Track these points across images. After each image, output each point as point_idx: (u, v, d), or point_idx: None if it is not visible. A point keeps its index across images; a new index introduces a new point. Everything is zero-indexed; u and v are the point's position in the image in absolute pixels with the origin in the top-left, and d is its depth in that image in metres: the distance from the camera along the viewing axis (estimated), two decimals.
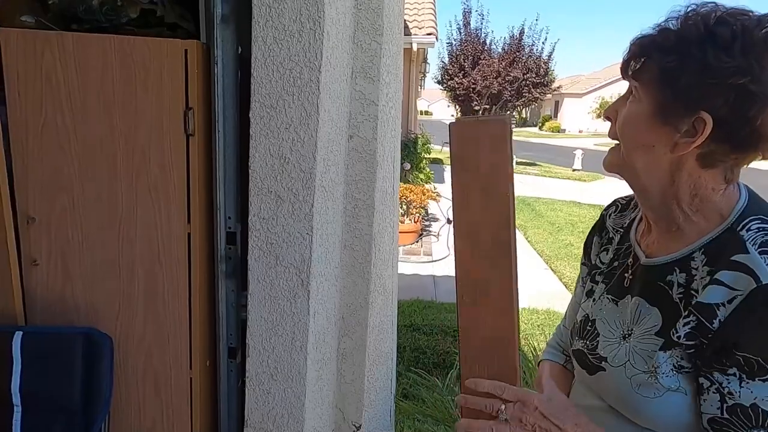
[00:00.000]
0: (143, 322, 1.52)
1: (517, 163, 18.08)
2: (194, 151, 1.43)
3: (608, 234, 1.08)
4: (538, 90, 16.88)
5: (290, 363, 1.43)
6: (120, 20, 1.58)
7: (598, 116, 35.95)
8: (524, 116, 34.97)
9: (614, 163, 0.87)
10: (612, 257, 1.02)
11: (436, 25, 10.71)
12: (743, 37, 0.72)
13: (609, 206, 1.11)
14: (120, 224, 1.48)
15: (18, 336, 1.46)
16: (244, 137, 1.40)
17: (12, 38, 1.39)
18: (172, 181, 1.45)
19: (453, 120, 0.74)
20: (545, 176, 16.57)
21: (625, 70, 0.82)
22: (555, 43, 17.47)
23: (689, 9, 0.77)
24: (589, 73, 45.28)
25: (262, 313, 1.42)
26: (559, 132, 38.24)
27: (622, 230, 1.05)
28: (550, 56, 17.28)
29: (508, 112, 17.93)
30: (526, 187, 13.24)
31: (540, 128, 41.17)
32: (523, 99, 17.00)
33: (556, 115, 41.37)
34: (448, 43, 16.98)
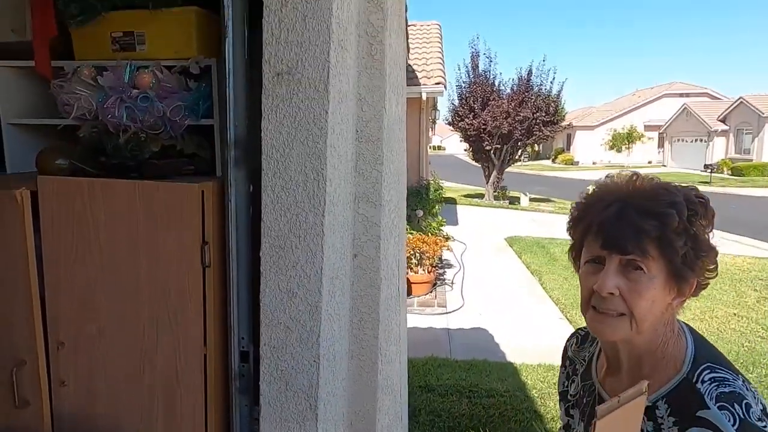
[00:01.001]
0: None
1: (531, 199, 18.12)
2: (210, 281, 1.55)
3: (573, 364, 1.17)
4: (548, 128, 17.05)
5: None
6: (144, 155, 1.74)
7: (611, 147, 35.99)
8: (537, 149, 35.10)
9: (626, 338, 0.95)
10: (579, 390, 1.10)
11: (445, 73, 11.00)
12: (704, 208, 0.93)
13: (570, 337, 1.21)
14: (142, 349, 1.60)
15: None
16: (256, 267, 1.52)
17: (47, 185, 1.55)
18: (190, 308, 1.56)
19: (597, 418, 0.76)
20: (559, 213, 16.54)
21: (625, 247, 0.92)
22: (563, 82, 17.72)
23: (674, 199, 0.92)
24: (601, 105, 45.55)
25: None
26: (572, 164, 38.28)
27: (584, 362, 1.14)
28: (558, 94, 17.52)
29: (520, 151, 18.09)
30: (540, 227, 13.24)
31: (553, 161, 41.26)
32: (533, 137, 17.17)
33: (568, 148, 41.49)
34: (457, 86, 17.34)
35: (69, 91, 1.69)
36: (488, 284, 8.23)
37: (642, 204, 0.92)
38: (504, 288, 8.05)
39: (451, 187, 23.39)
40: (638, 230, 0.90)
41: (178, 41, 1.72)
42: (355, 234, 1.70)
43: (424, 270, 7.50)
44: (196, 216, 1.52)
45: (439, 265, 8.71)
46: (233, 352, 1.61)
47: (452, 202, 17.27)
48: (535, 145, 20.00)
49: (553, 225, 13.68)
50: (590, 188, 1.03)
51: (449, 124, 17.83)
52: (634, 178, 0.98)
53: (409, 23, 11.12)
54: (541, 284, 8.18)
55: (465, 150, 19.79)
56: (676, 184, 0.99)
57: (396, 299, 1.96)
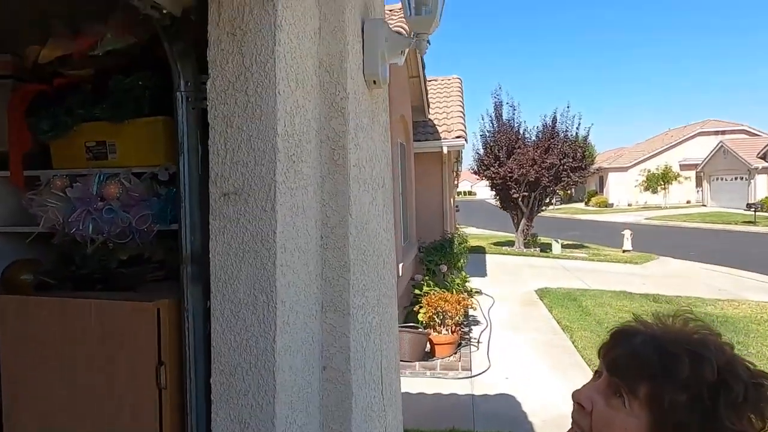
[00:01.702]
0: None
1: (563, 246, 17.65)
2: (167, 404, 1.47)
3: None
4: (576, 174, 16.78)
5: None
6: (112, 265, 1.71)
7: (646, 188, 35.12)
8: (569, 193, 34.57)
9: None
10: None
11: (465, 127, 11.05)
12: (755, 395, 0.72)
13: None
14: None
15: None
16: None
17: (8, 304, 1.53)
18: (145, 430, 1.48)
19: None
20: (594, 260, 16.01)
21: (615, 368, 0.80)
22: (589, 127, 17.59)
23: (703, 350, 0.75)
24: (632, 146, 44.86)
25: None
26: (606, 207, 37.43)
27: None
28: (585, 140, 17.32)
29: (549, 198, 17.81)
30: (573, 277, 12.79)
31: (586, 204, 40.47)
32: (561, 184, 16.91)
33: (601, 190, 40.71)
34: (481, 135, 17.39)
35: (39, 203, 1.70)
36: (516, 343, 7.89)
37: (661, 336, 0.80)
38: (533, 347, 7.69)
39: (480, 235, 23.08)
40: (635, 357, 0.78)
41: (147, 149, 1.72)
42: (323, 344, 1.60)
43: (447, 330, 7.26)
44: (152, 335, 1.46)
45: (464, 323, 8.42)
46: None
47: (481, 251, 16.97)
48: (564, 191, 19.66)
49: (586, 274, 13.22)
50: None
51: (475, 173, 17.78)
52: (682, 319, 0.84)
53: (429, 78, 11.31)
54: (573, 342, 7.78)
55: (493, 197, 19.61)
56: (728, 347, 0.79)
57: (379, 405, 1.83)
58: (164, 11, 1.31)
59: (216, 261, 1.32)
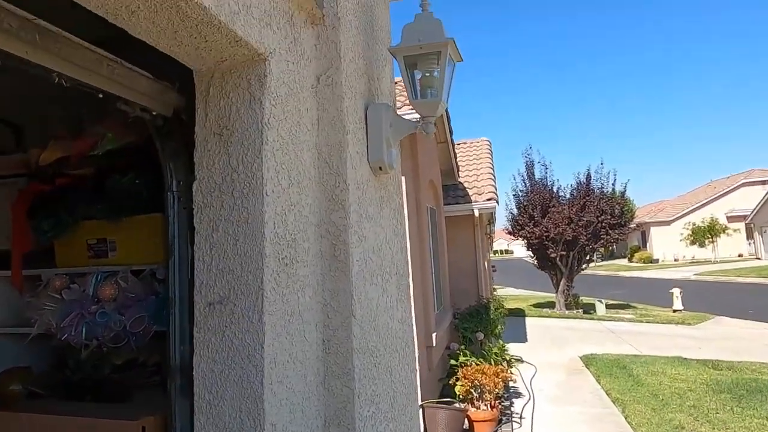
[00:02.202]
0: None
1: (608, 306, 16.80)
2: None
3: None
4: (616, 231, 16.21)
5: None
6: (105, 370, 1.61)
7: (692, 242, 33.62)
8: (610, 249, 33.51)
9: None
10: None
11: (496, 189, 10.92)
12: None
13: None
14: None
15: None
16: None
17: None
18: None
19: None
20: (642, 321, 15.12)
21: None
22: (626, 183, 17.16)
23: None
24: (674, 198, 43.55)
25: None
26: (651, 263, 35.89)
27: None
28: (623, 195, 16.86)
29: (588, 256, 17.19)
30: (621, 341, 12.04)
31: (629, 260, 38.97)
32: (600, 242, 16.32)
33: (644, 245, 39.24)
34: (514, 195, 17.18)
35: (36, 307, 1.64)
36: (563, 418, 7.31)
37: None
38: (582, 422, 7.09)
39: (519, 295, 22.31)
40: None
41: (145, 246, 1.65)
42: None
43: (486, 405, 6.79)
44: None
45: (505, 395, 7.90)
46: None
47: (520, 313, 16.32)
48: (606, 247, 18.98)
49: (634, 337, 12.44)
50: None
51: (509, 233, 17.43)
52: None
53: (457, 142, 11.37)
54: (626, 416, 7.15)
55: (530, 256, 19.09)
56: None
57: None
58: (154, 113, 1.26)
59: (200, 378, 1.19)
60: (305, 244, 1.35)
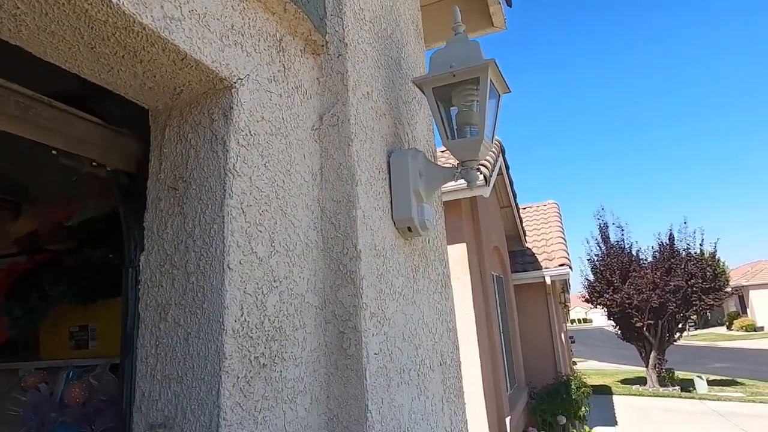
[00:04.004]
0: None
1: (709, 382, 14.82)
2: None
3: None
4: (709, 296, 14.54)
5: None
6: None
7: None
8: (705, 315, 30.43)
9: None
10: None
11: (568, 253, 10.16)
12: None
13: None
14: None
15: None
16: None
17: None
18: None
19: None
20: (755, 401, 13.07)
21: None
22: (716, 242, 15.59)
23: None
24: None
25: None
26: (755, 331, 32.01)
27: None
28: (713, 256, 15.28)
29: (680, 325, 15.46)
30: (732, 426, 10.37)
31: (728, 328, 35.05)
32: (693, 308, 14.65)
33: (744, 311, 35.31)
34: (588, 260, 16.02)
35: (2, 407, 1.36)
36: None
37: None
38: None
39: (603, 370, 20.30)
40: None
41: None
42: None
43: None
44: None
45: None
46: None
47: (606, 391, 14.69)
48: (699, 314, 17.07)
49: (748, 421, 10.68)
50: None
51: (587, 301, 16.09)
52: None
53: (523, 206, 10.83)
54: None
55: (613, 325, 17.46)
56: None
57: None
58: (109, 168, 0.98)
59: None
60: (298, 334, 0.98)
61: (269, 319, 0.91)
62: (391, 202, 1.28)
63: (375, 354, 1.07)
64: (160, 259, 0.89)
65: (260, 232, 0.91)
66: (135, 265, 1.06)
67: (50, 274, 1.38)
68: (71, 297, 1.35)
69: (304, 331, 1.01)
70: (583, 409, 8.72)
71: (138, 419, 0.85)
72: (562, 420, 7.99)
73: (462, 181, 1.29)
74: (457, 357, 1.59)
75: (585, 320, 57.97)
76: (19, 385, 1.42)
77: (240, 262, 0.85)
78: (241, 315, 0.84)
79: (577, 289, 16.50)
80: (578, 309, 57.88)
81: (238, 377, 0.82)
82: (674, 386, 14.88)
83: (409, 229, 1.30)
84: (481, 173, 5.81)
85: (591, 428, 8.18)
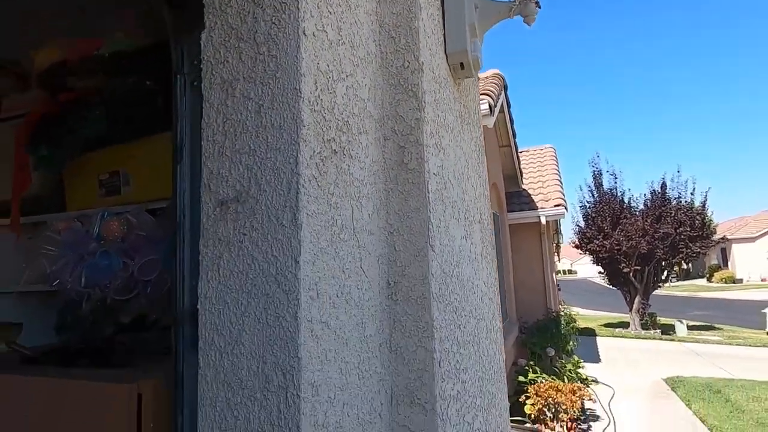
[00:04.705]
0: None
1: (689, 327, 15.36)
2: None
3: None
4: (697, 244, 14.83)
5: None
6: (106, 330, 1.26)
7: None
8: (687, 268, 31.15)
9: None
10: None
11: (564, 195, 10.20)
12: None
13: None
14: None
15: None
16: None
17: None
18: None
19: None
20: (731, 344, 13.62)
21: None
22: (706, 191, 15.74)
23: None
24: (757, 213, 40.15)
25: None
26: (734, 283, 33.00)
27: None
28: (703, 206, 15.47)
29: (666, 272, 15.84)
30: (709, 364, 10.81)
31: (709, 280, 36.07)
32: (680, 256, 14.96)
33: (725, 264, 36.25)
34: (581, 206, 16.15)
35: (32, 247, 1.32)
36: None
37: None
38: None
39: (587, 316, 20.91)
40: None
41: (163, 176, 1.31)
42: None
43: (561, 426, 6.09)
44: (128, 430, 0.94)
45: (581, 418, 7.11)
46: None
47: (590, 333, 15.18)
48: (683, 263, 17.47)
49: (725, 360, 11.14)
50: None
51: (576, 247, 16.35)
52: None
53: (520, 150, 10.76)
54: None
55: (599, 273, 17.83)
56: None
57: None
58: None
59: (206, 314, 0.80)
60: (362, 138, 0.94)
61: (338, 108, 0.86)
62: (444, 34, 1.22)
63: (434, 173, 1.04)
64: (224, 34, 0.83)
65: (330, 13, 0.85)
66: (184, 72, 1.00)
67: (78, 111, 1.31)
68: (102, 131, 1.29)
69: (367, 137, 0.97)
70: (571, 343, 9.00)
71: (206, 199, 0.82)
72: (551, 352, 8.26)
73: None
74: (491, 221, 1.57)
75: (570, 271, 59.27)
76: (48, 230, 1.39)
77: (313, 34, 0.80)
78: (316, 89, 0.80)
79: (568, 237, 16.64)
80: (564, 261, 59.03)
81: (314, 151, 0.78)
82: (655, 330, 15.41)
83: (462, 66, 1.24)
84: (486, 102, 5.64)
85: (579, 359, 8.48)
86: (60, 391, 1.00)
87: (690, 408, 7.75)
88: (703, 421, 7.11)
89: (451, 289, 1.08)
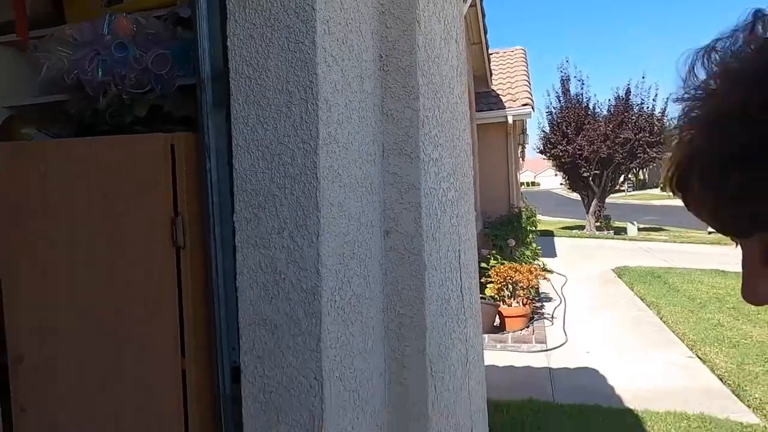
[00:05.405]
0: None
1: (640, 229, 16.42)
2: (186, 266, 1.13)
3: None
4: (654, 149, 15.49)
5: None
6: (126, 120, 1.41)
7: None
8: (642, 178, 32.50)
9: None
10: None
11: (531, 95, 10.36)
12: None
13: None
14: (102, 359, 1.20)
15: None
16: None
17: None
18: (161, 305, 1.15)
19: None
20: (675, 242, 14.74)
21: None
22: (667, 98, 16.16)
23: None
24: None
25: None
26: None
27: None
28: (663, 112, 15.97)
29: (623, 176, 16.61)
30: (655, 258, 11.75)
31: (662, 189, 37.85)
32: (638, 160, 15.65)
33: None
34: (547, 112, 16.44)
35: (44, 50, 1.42)
36: (595, 319, 7.21)
37: None
38: (615, 322, 6.98)
39: (547, 221, 21.98)
40: None
41: None
42: (385, 202, 1.21)
43: (518, 302, 6.71)
44: (163, 178, 1.13)
45: (536, 299, 7.82)
46: (221, 368, 1.16)
47: (549, 234, 16.07)
48: (640, 171, 18.31)
49: (669, 254, 12.13)
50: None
51: (541, 152, 16.84)
52: None
53: (491, 51, 10.70)
54: (661, 318, 7.00)
55: (561, 184, 18.55)
56: None
57: (458, 303, 1.42)
58: None
59: (235, 50, 0.96)
60: None
61: None
62: None
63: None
64: None
65: None
66: None
67: None
68: None
69: None
70: (531, 236, 9.63)
71: None
72: (512, 243, 8.84)
73: None
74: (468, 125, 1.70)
75: (533, 183, 60.99)
76: (57, 35, 1.48)
77: None
78: None
79: (533, 143, 16.99)
80: (528, 173, 60.38)
81: None
82: (609, 231, 16.44)
83: None
84: None
85: (538, 246, 9.11)
86: (94, 148, 1.17)
87: (632, 290, 8.58)
88: (642, 299, 7.94)
89: (433, 61, 1.27)
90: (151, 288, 1.15)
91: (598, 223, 16.55)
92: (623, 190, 17.28)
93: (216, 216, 1.12)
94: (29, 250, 1.23)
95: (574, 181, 16.62)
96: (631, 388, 4.75)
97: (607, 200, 17.15)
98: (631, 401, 4.52)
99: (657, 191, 38.32)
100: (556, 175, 17.56)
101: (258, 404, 1.00)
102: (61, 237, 1.19)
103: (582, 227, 17.32)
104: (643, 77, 19.38)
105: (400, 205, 1.20)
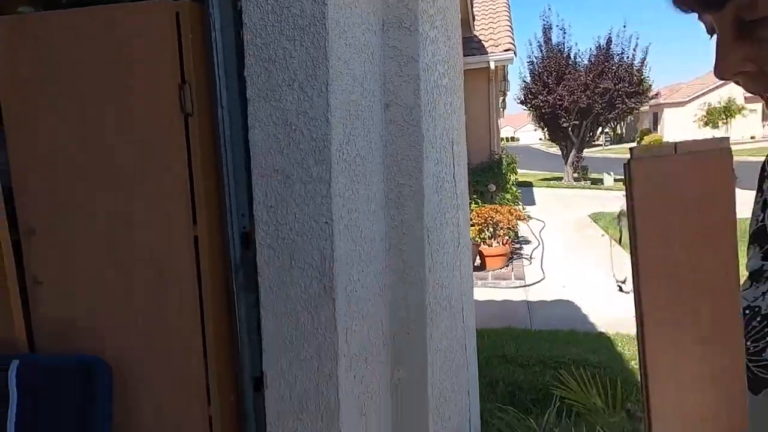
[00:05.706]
0: (145, 349, 1.26)
1: (616, 180, 16.77)
2: (194, 133, 1.18)
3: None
4: (632, 100, 15.63)
5: (317, 396, 1.08)
6: None
7: (706, 124, 32.85)
8: (619, 132, 32.86)
9: None
10: None
11: (514, 41, 10.28)
12: None
13: None
14: (115, 229, 1.25)
15: (14, 366, 1.26)
16: None
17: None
18: (171, 172, 1.20)
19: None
20: None
21: None
22: (647, 47, 16.20)
23: None
24: (691, 80, 41.85)
25: (278, 332, 1.10)
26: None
27: None
28: (643, 62, 16.04)
29: (601, 127, 16.80)
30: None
31: (639, 143, 38.43)
32: (616, 111, 15.81)
33: (656, 128, 38.47)
34: (528, 62, 16.36)
35: None
36: (571, 258, 7.48)
37: None
38: (590, 261, 7.26)
39: (526, 174, 22.26)
40: None
41: None
42: (385, 75, 1.26)
43: (498, 242, 6.90)
44: (169, 45, 1.15)
45: (516, 241, 8.05)
46: (232, 234, 1.22)
47: (528, 185, 16.32)
48: (618, 124, 18.51)
49: None
50: None
51: (521, 103, 16.86)
52: None
53: None
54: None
55: (540, 139, 18.69)
56: None
57: (451, 187, 1.50)
58: None
59: None
60: None
61: None
62: None
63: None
64: None
65: None
66: None
67: None
68: None
69: None
70: (510, 181, 9.78)
71: None
72: (493, 188, 8.99)
73: None
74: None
75: (513, 138, 61.19)
76: None
77: None
78: None
79: (514, 94, 16.97)
80: (508, 128, 60.38)
81: None
82: (586, 181, 16.76)
83: None
84: None
85: (518, 190, 9.29)
86: (111, 13, 1.18)
87: (608, 233, 8.87)
88: (617, 242, 8.24)
89: None
90: (162, 156, 1.20)
91: (576, 174, 16.83)
92: (601, 144, 17.48)
93: (222, 83, 1.16)
94: (38, 123, 1.25)
95: (554, 131, 16.75)
96: (604, 316, 5.02)
97: (585, 154, 17.38)
98: (603, 327, 4.79)
99: (634, 145, 38.79)
100: (535, 130, 17.64)
101: (271, 251, 1.07)
102: (71, 106, 1.22)
103: (560, 179, 17.60)
104: (624, 26, 19.26)
105: (400, 78, 1.25)
